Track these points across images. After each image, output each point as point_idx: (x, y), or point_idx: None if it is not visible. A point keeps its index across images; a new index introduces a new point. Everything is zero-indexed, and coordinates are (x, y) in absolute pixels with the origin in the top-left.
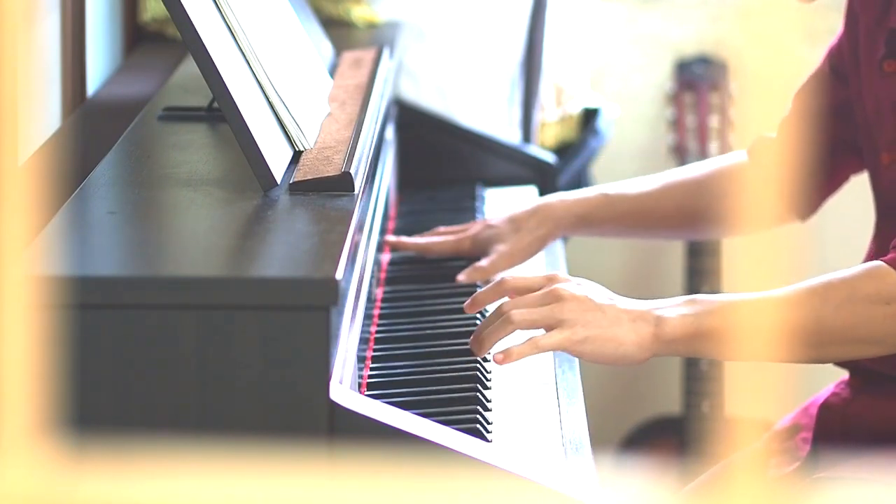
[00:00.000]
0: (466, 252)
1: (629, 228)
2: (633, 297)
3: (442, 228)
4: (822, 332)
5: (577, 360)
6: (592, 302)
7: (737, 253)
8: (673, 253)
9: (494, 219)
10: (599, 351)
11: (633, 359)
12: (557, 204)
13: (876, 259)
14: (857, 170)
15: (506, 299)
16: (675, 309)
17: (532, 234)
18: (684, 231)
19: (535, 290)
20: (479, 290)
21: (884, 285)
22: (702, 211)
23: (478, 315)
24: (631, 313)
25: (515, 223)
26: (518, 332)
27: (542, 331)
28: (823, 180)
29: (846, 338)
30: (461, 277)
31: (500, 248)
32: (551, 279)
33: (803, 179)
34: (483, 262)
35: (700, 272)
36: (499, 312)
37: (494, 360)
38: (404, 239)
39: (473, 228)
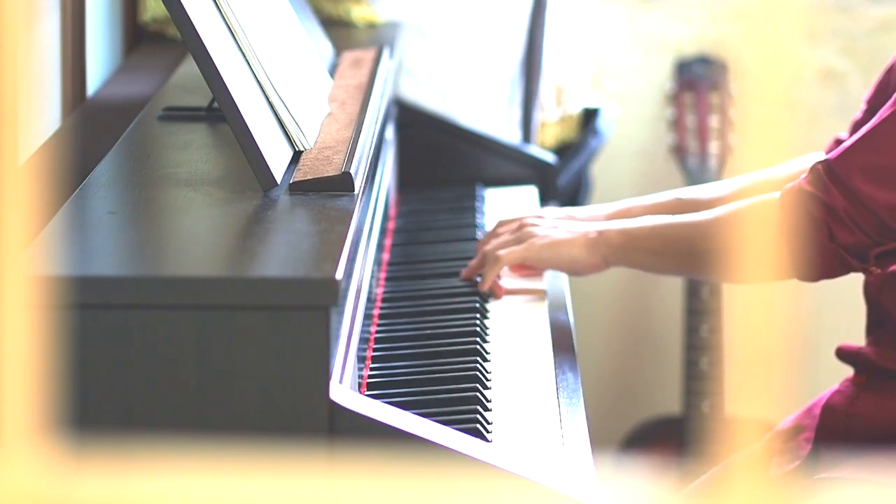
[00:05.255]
0: None
1: None
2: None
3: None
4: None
5: (576, 359)
6: (548, 222)
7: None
8: None
9: (578, 213)
10: (557, 255)
11: (586, 260)
12: (635, 208)
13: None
14: None
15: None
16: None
17: None
18: None
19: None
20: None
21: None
22: None
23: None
24: (579, 225)
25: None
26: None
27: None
28: None
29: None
30: None
31: None
32: (520, 221)
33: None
34: None
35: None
36: (485, 256)
37: (491, 291)
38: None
39: (551, 214)
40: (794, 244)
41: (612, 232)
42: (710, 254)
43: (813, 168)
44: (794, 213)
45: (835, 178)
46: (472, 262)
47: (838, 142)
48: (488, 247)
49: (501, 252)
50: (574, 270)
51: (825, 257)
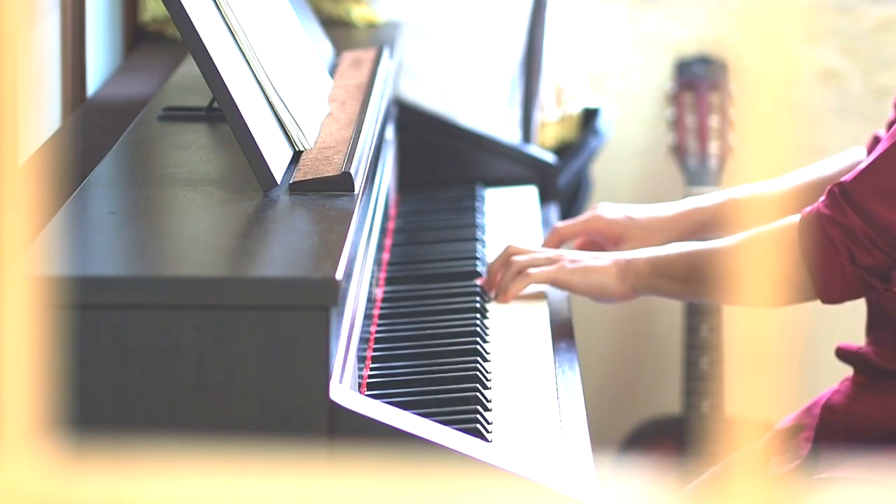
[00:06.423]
0: (594, 230)
1: None
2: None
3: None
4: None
5: (576, 359)
6: (582, 252)
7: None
8: None
9: (637, 213)
10: (587, 280)
11: (615, 288)
12: (695, 211)
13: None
14: None
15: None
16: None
17: (664, 234)
18: None
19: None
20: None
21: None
22: None
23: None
24: (608, 254)
25: (655, 221)
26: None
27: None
28: None
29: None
30: None
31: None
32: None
33: None
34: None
35: None
36: (515, 269)
37: (498, 301)
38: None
39: (610, 211)
40: (816, 267)
41: (639, 261)
42: (733, 280)
43: (829, 191)
44: (814, 236)
45: (850, 200)
46: (494, 265)
47: (876, 139)
48: (519, 260)
49: (532, 270)
50: (603, 297)
51: (847, 279)
